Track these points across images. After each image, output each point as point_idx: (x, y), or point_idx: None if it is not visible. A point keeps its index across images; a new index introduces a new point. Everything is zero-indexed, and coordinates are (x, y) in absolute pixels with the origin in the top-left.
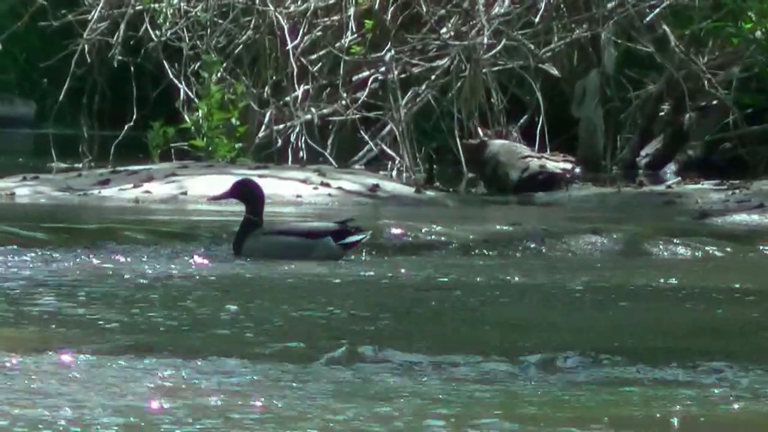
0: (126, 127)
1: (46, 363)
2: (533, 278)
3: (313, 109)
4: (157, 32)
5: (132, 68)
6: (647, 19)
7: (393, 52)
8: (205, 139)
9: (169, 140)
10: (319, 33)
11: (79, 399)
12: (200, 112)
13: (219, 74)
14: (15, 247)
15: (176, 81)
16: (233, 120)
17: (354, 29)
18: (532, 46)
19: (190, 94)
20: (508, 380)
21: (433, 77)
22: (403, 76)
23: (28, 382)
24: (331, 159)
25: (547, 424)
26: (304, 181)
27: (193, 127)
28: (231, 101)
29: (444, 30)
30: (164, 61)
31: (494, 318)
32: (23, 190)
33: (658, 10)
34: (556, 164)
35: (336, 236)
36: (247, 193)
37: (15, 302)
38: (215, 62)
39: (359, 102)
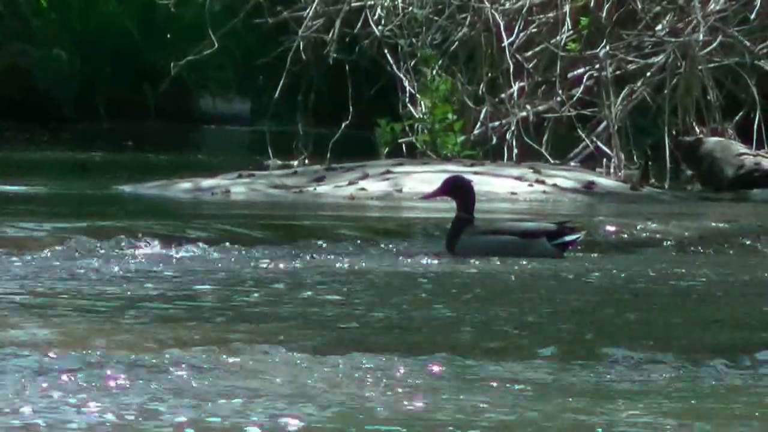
0: (342, 124)
1: (269, 359)
2: (753, 275)
3: (528, 106)
4: (379, 27)
5: (347, 66)
6: None
7: (608, 48)
8: (430, 134)
9: (397, 137)
10: (535, 30)
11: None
12: (422, 106)
13: (435, 71)
14: (230, 244)
15: (400, 75)
16: (449, 115)
17: (570, 26)
18: (748, 43)
19: (412, 90)
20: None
21: (648, 74)
22: (618, 72)
23: (250, 376)
24: (546, 156)
25: None
26: (519, 178)
27: (415, 123)
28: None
29: (659, 27)
30: (387, 56)
31: (711, 315)
32: (238, 188)
33: None
34: None
35: (551, 236)
36: (457, 190)
37: (227, 299)
38: (432, 56)
39: (574, 99)
